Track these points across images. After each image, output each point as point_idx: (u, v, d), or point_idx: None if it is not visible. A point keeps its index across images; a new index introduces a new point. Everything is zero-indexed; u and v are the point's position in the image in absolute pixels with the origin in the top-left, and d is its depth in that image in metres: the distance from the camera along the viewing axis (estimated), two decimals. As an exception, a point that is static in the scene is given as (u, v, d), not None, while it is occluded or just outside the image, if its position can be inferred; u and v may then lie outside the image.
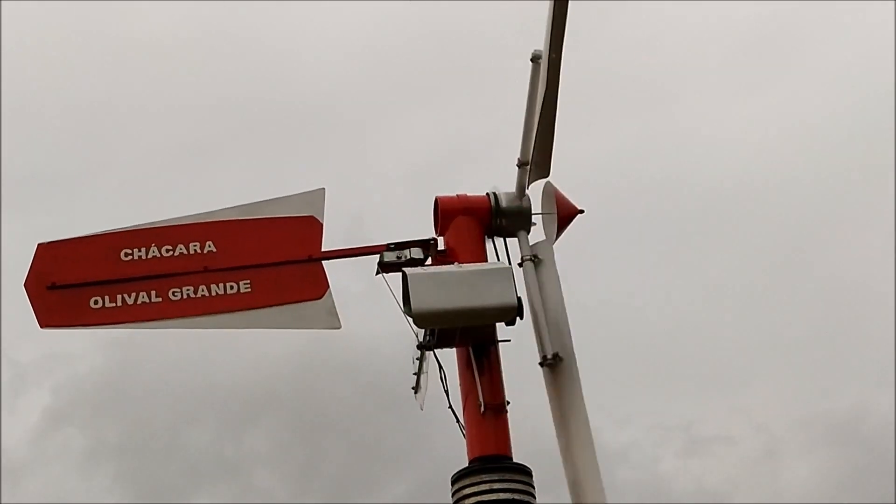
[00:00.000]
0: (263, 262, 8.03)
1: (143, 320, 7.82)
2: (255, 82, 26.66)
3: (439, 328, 7.78)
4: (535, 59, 8.05)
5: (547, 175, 8.29)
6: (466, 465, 7.76)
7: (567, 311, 7.94)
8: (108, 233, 8.03)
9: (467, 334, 7.84)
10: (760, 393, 24.02)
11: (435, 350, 7.97)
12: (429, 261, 8.24)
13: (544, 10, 7.72)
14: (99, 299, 7.82)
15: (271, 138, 26.47)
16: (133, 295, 7.83)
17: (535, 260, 8.15)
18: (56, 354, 24.05)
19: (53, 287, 7.81)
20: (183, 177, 26.48)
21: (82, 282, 7.84)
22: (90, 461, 23.03)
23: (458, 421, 7.96)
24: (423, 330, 7.96)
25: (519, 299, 7.77)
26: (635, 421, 22.96)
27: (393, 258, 8.11)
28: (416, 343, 8.02)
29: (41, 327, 7.75)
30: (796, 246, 24.85)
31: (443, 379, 8.02)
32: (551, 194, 8.43)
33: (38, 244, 7.94)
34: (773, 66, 26.66)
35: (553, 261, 8.18)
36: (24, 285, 7.84)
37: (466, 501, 7.58)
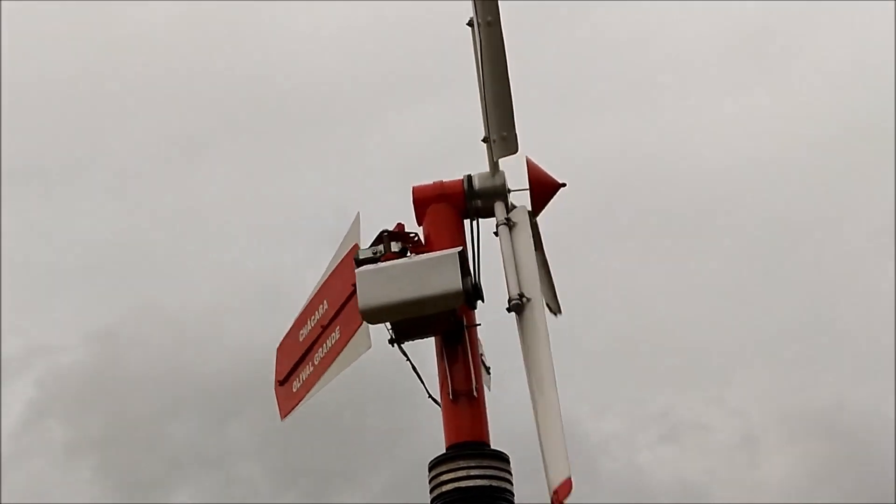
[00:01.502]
0: (339, 305, 8.48)
1: (307, 391, 8.53)
2: (249, 77, 26.65)
3: (393, 322, 7.85)
4: (471, 23, 7.99)
5: (515, 149, 8.23)
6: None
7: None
8: (298, 315, 8.85)
9: (428, 324, 7.87)
10: (741, 385, 24.16)
11: (401, 344, 7.98)
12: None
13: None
14: (296, 382, 8.66)
15: (265, 133, 26.50)
16: (305, 370, 8.62)
17: (509, 223, 8.14)
18: (39, 347, 24.04)
19: (280, 383, 8.77)
20: (175, 171, 26.52)
21: (288, 371, 8.74)
22: (72, 454, 23.02)
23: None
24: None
25: (476, 285, 7.83)
26: (615, 412, 23.08)
27: (369, 254, 8.12)
28: (388, 339, 8.01)
29: (281, 419, 8.71)
30: (782, 241, 25.01)
31: (415, 369, 8.05)
32: (525, 169, 8.42)
33: (277, 348, 8.93)
34: (763, 64, 26.82)
35: (527, 223, 8.17)
36: (274, 388, 8.81)
37: (444, 487, 7.63)
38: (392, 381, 8.47)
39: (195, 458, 22.61)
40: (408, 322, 7.83)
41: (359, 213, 8.58)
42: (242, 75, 26.61)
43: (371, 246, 8.19)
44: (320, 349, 8.50)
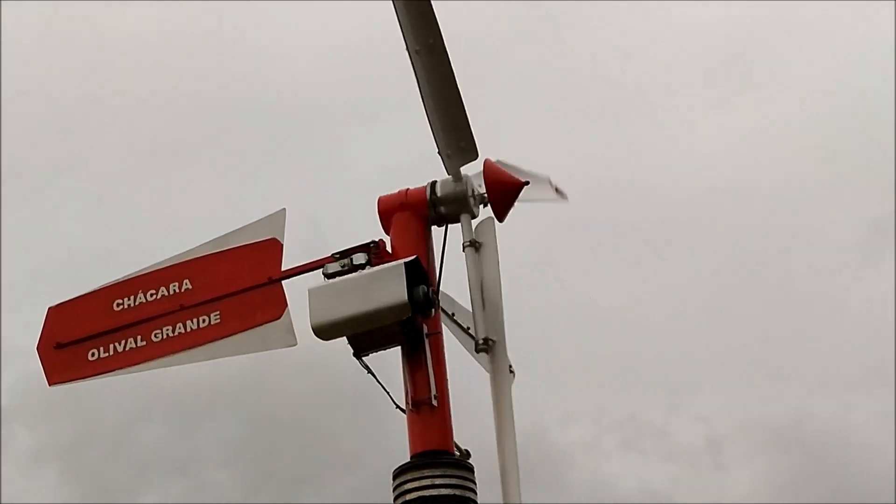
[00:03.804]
0: (231, 291, 8.32)
1: (130, 365, 8.28)
2: (232, 85, 26.67)
3: (345, 336, 7.88)
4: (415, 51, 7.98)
5: (475, 156, 8.30)
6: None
7: (503, 296, 8.09)
8: (105, 286, 8.52)
9: (383, 337, 7.90)
10: (707, 396, 24.34)
11: (362, 357, 7.99)
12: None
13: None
14: (95, 351, 8.32)
15: (246, 142, 26.50)
16: (122, 342, 8.30)
17: (475, 244, 8.23)
18: (10, 351, 23.86)
19: (59, 346, 8.37)
20: (154, 178, 26.48)
21: (82, 337, 8.36)
22: (38, 459, 22.91)
23: None
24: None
25: (428, 294, 7.86)
26: (580, 421, 23.20)
27: (337, 268, 8.11)
28: (352, 353, 8.03)
29: (49, 385, 8.34)
30: (752, 256, 25.25)
31: (378, 380, 8.05)
32: (480, 172, 8.47)
33: (49, 308, 8.54)
34: (746, 79, 27.05)
35: (494, 243, 8.26)
36: (37, 348, 8.43)
37: (408, 496, 7.64)
38: (362, 387, 8.47)
39: (163, 464, 22.57)
40: (362, 336, 7.87)
41: (285, 209, 8.52)
42: (225, 83, 26.66)
43: (339, 258, 8.16)
44: (168, 328, 8.28)
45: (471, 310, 8.18)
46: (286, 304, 8.25)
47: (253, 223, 8.54)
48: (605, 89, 26.10)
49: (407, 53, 7.95)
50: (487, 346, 7.96)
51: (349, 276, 7.98)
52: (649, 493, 22.47)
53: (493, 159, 8.58)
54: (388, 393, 8.03)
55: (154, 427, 22.73)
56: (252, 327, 8.19)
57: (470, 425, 8.32)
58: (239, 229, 8.55)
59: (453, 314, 8.75)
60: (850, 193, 24.95)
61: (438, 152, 8.28)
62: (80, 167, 26.66)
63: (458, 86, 8.03)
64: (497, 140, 9.19)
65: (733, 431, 23.75)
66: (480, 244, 8.24)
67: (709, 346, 24.24)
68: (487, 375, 8.98)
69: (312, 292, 7.91)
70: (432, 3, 7.79)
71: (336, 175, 24.31)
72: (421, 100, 8.11)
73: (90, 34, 26.85)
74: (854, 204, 24.74)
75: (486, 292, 8.07)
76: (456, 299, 8.78)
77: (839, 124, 25.27)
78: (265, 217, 8.52)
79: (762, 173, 25.91)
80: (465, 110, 8.13)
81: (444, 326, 8.39)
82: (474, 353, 8.39)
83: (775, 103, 26.71)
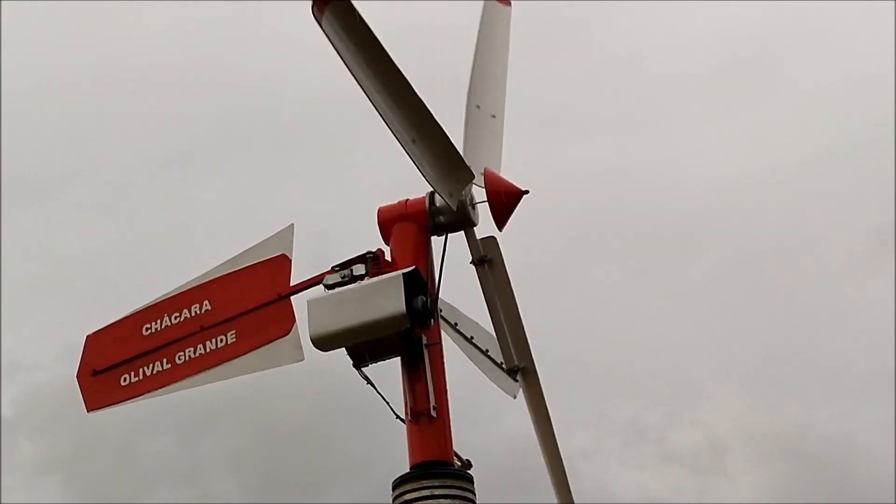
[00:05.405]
0: (244, 309, 8.48)
1: (157, 388, 8.55)
2: (242, 91, 26.68)
3: (345, 347, 7.93)
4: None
5: (472, 178, 8.35)
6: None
7: (523, 316, 8.30)
8: (135, 312, 8.78)
9: (382, 347, 7.93)
10: (711, 404, 24.35)
11: (360, 368, 8.02)
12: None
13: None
14: (126, 376, 8.60)
15: (255, 149, 26.52)
16: (150, 366, 8.56)
17: (485, 261, 8.31)
18: (14, 364, 23.91)
19: (95, 373, 8.64)
20: (164, 186, 26.50)
21: (114, 363, 8.64)
22: (41, 472, 22.94)
23: None
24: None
25: (426, 305, 7.91)
26: (584, 430, 23.21)
27: (337, 279, 8.18)
28: (352, 363, 8.07)
29: (87, 412, 8.64)
30: (758, 264, 25.26)
31: (377, 391, 8.07)
32: (482, 181, 8.51)
33: (86, 336, 8.80)
34: (749, 88, 27.05)
35: (501, 258, 8.34)
36: (77, 377, 8.68)
37: (407, 507, 7.64)
38: (366, 396, 8.52)
39: (168, 474, 22.59)
40: (361, 346, 7.92)
41: (293, 224, 8.60)
42: (235, 95, 26.66)
43: (339, 269, 8.23)
44: (190, 349, 8.48)
45: (493, 335, 8.34)
46: (294, 320, 8.32)
47: (263, 241, 8.66)
48: (616, 98, 26.17)
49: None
50: (519, 371, 8.21)
51: (348, 287, 8.04)
52: (651, 500, 22.50)
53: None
54: (388, 403, 8.06)
55: (158, 437, 22.75)
56: (264, 344, 8.32)
57: (472, 435, 8.40)
58: (251, 248, 8.68)
59: (456, 324, 8.82)
60: (853, 200, 25.00)
61: (432, 192, 8.30)
62: (85, 178, 26.74)
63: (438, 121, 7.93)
64: (504, 146, 9.22)
65: (736, 438, 23.77)
66: (490, 260, 8.31)
67: (711, 354, 24.25)
68: (489, 384, 9.13)
69: (311, 304, 7.97)
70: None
71: (342, 187, 24.35)
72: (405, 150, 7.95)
73: (98, 41, 26.96)
74: (858, 212, 24.78)
75: (506, 316, 8.21)
76: (459, 308, 8.86)
77: (842, 131, 25.31)
78: (274, 234, 8.63)
79: (764, 180, 25.96)
80: (450, 142, 8.02)
81: (446, 336, 8.45)
82: (479, 364, 8.64)
83: (781, 112, 26.78)
